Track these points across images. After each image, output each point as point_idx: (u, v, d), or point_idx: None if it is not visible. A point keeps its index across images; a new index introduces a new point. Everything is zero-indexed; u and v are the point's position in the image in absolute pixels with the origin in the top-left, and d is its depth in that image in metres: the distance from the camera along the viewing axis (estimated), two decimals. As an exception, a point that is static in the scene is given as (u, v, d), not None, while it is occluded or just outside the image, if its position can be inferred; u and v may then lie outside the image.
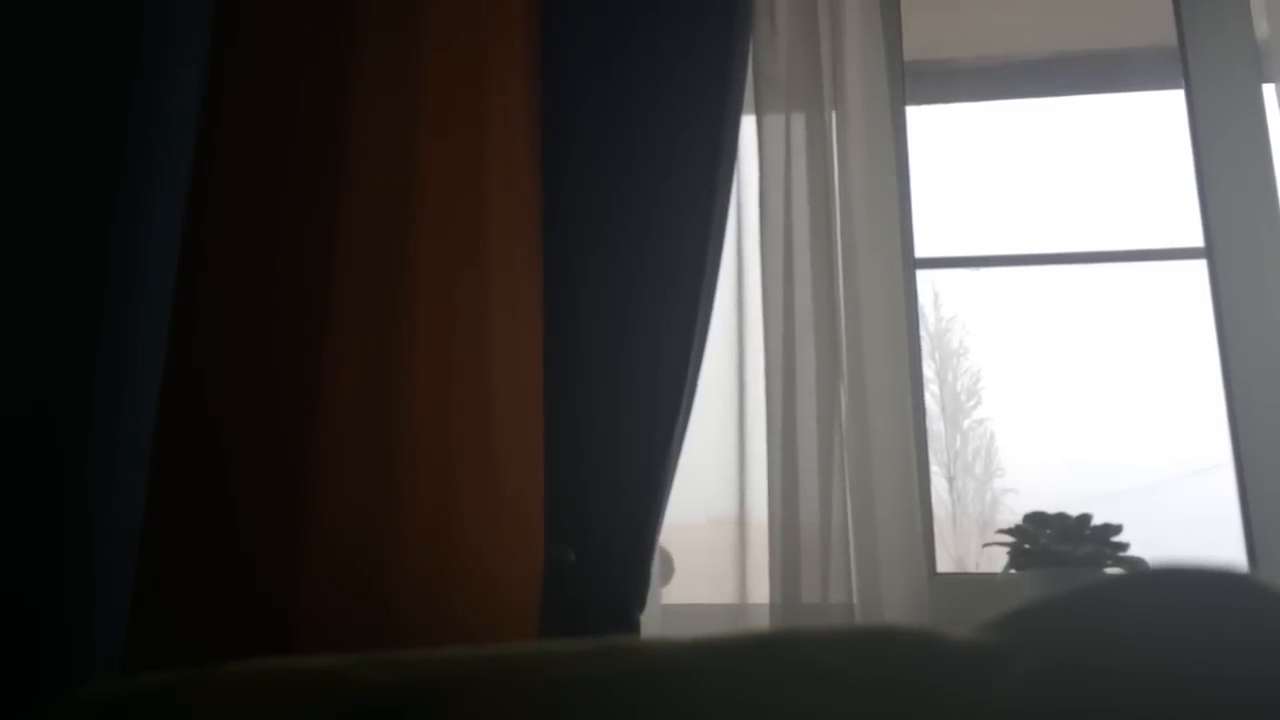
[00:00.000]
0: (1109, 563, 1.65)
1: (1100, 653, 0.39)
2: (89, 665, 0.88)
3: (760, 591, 1.73)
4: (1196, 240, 1.95)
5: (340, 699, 0.46)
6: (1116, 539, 1.68)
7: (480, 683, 0.43)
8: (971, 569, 1.94)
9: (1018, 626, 0.42)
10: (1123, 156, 2.11)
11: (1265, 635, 0.38)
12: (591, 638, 0.46)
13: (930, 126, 2.10)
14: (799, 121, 1.88)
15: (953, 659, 0.40)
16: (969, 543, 1.97)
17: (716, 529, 1.80)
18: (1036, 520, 1.72)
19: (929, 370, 2.00)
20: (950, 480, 1.99)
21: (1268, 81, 1.95)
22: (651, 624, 1.68)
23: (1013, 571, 1.71)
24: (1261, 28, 1.98)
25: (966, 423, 2.02)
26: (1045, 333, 2.04)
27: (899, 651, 0.41)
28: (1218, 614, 0.40)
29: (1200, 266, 1.94)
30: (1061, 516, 1.71)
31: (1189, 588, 0.42)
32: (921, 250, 2.00)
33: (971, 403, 2.03)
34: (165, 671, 0.56)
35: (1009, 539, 1.73)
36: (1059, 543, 1.67)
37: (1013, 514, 1.86)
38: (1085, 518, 1.70)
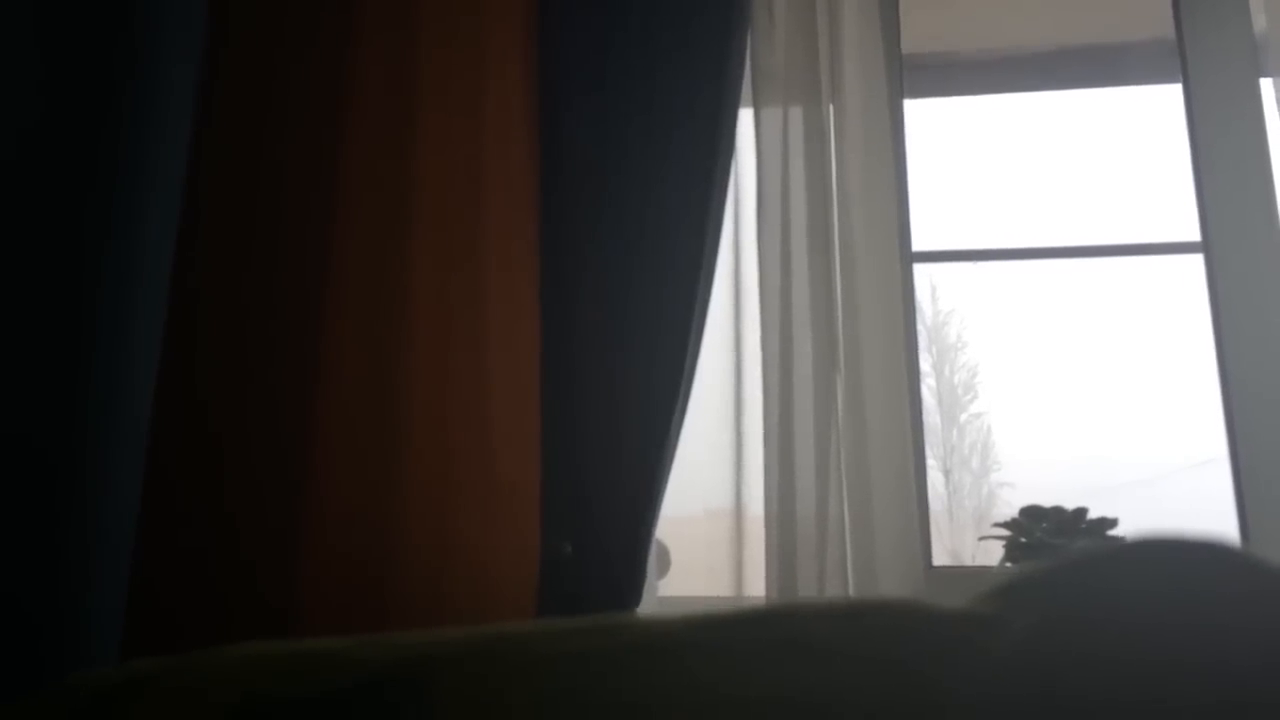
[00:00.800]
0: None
1: (1087, 623, 0.39)
2: (86, 663, 0.88)
3: (757, 584, 1.73)
4: (1194, 235, 1.95)
5: (334, 678, 0.46)
6: (1112, 533, 1.68)
7: (473, 658, 0.44)
8: (967, 563, 1.94)
9: (1008, 598, 0.42)
10: (1120, 150, 2.12)
11: (1248, 602, 0.39)
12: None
13: (928, 120, 2.10)
14: (796, 115, 1.88)
15: (944, 630, 0.40)
16: (965, 536, 1.98)
17: (713, 522, 1.80)
18: (1032, 514, 1.72)
19: (926, 364, 2.00)
20: (947, 474, 2.00)
21: (1265, 76, 1.95)
22: (648, 617, 1.67)
23: (1009, 565, 1.71)
24: (1259, 22, 1.98)
25: (963, 416, 2.03)
26: (1043, 327, 2.04)
27: (890, 623, 0.41)
28: (1202, 583, 0.40)
29: (1197, 261, 1.94)
30: (1058, 510, 1.71)
31: (1174, 557, 0.42)
32: (919, 244, 2.00)
33: (968, 396, 2.03)
34: (159, 656, 0.56)
35: (1005, 533, 1.73)
36: (1055, 536, 1.68)
37: (1009, 508, 1.86)
38: (1081, 511, 1.71)
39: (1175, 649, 0.37)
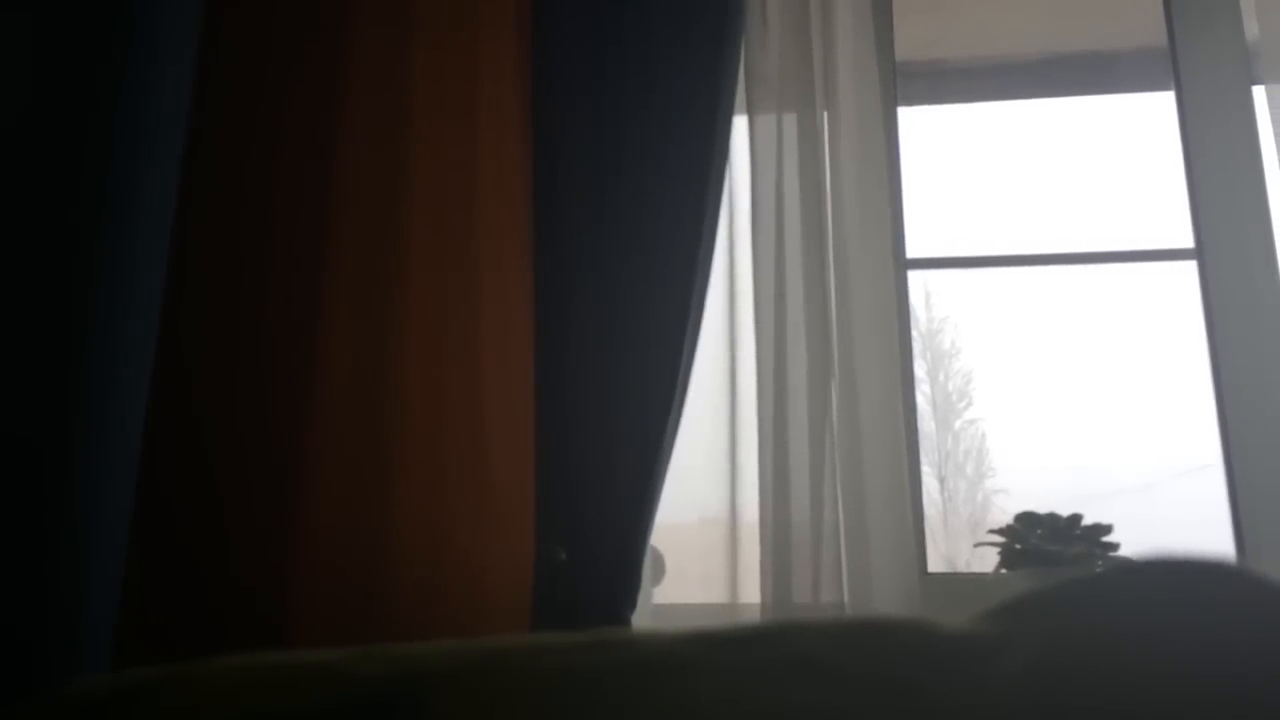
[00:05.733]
0: (1099, 563, 1.65)
1: (1095, 644, 0.39)
2: (77, 667, 0.87)
3: (751, 591, 1.73)
4: (1187, 241, 1.96)
5: (332, 692, 0.45)
6: (1107, 539, 1.68)
7: (474, 674, 0.43)
8: (962, 569, 1.94)
9: (1012, 618, 0.42)
10: (1113, 158, 2.12)
11: (1258, 625, 0.38)
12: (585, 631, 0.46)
13: (922, 127, 2.10)
14: (791, 121, 1.88)
15: (948, 651, 0.40)
16: (960, 543, 1.98)
17: (708, 528, 1.80)
18: (1027, 520, 1.72)
19: (920, 370, 2.00)
20: (941, 480, 2.00)
21: (1257, 83, 1.95)
22: (643, 624, 1.67)
23: (1004, 571, 1.71)
24: (1251, 29, 1.99)
25: (958, 423, 2.03)
26: (1037, 333, 2.04)
27: (894, 643, 0.41)
28: (1212, 604, 0.40)
29: (1190, 267, 1.94)
30: (1052, 516, 1.71)
31: (1183, 578, 0.42)
32: (913, 251, 2.00)
33: (963, 403, 2.04)
34: (152, 666, 0.55)
35: (1000, 539, 1.73)
36: (1050, 543, 1.68)
37: (1004, 514, 1.86)
38: (1076, 518, 1.70)
39: (1184, 668, 0.37)
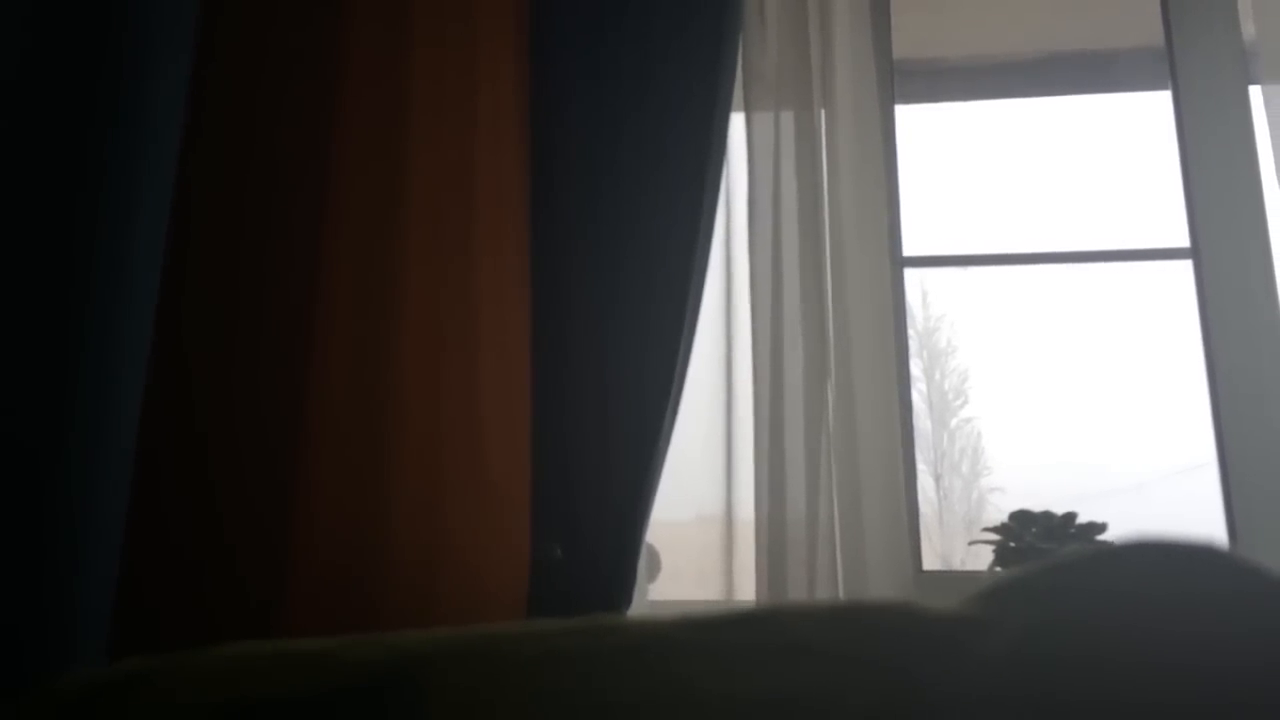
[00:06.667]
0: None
1: (1081, 624, 0.39)
2: (73, 664, 0.87)
3: (747, 589, 1.73)
4: (1183, 240, 1.96)
5: (328, 677, 0.46)
6: (1101, 537, 1.69)
7: (468, 658, 0.43)
8: (957, 567, 1.95)
9: (999, 600, 0.42)
10: (1110, 157, 2.12)
11: (1235, 600, 0.39)
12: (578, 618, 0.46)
13: (919, 126, 2.10)
14: (788, 119, 1.88)
15: (933, 631, 0.40)
16: (955, 541, 1.98)
17: (704, 526, 1.80)
18: (1022, 519, 1.73)
19: (916, 369, 2.00)
20: (937, 479, 2.00)
21: (1254, 83, 1.96)
22: (638, 621, 1.67)
23: (998, 569, 1.71)
24: (1248, 29, 1.99)
25: (954, 421, 2.03)
26: (1033, 332, 2.04)
27: (883, 625, 0.41)
28: (1192, 583, 0.41)
29: (1186, 267, 1.95)
30: (1047, 515, 1.72)
31: (1164, 559, 0.42)
32: (910, 249, 2.01)
33: (959, 401, 2.04)
34: (146, 656, 0.55)
35: (995, 537, 1.73)
36: (1044, 541, 1.68)
37: (999, 513, 1.87)
38: (1070, 516, 1.71)
39: (1165, 650, 0.37)
